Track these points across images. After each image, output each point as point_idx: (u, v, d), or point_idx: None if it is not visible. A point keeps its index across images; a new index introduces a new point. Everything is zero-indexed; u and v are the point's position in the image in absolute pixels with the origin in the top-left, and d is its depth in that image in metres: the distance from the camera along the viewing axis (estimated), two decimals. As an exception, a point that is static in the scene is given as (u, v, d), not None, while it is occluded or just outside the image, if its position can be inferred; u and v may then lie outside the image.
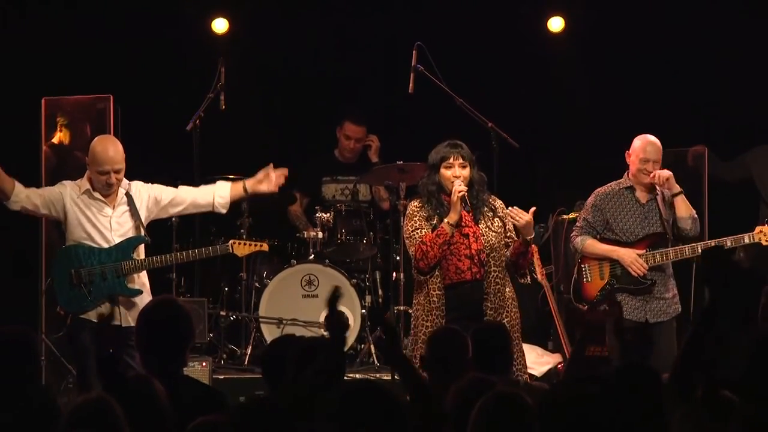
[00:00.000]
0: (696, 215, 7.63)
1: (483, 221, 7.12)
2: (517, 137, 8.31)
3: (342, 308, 9.10)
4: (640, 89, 10.05)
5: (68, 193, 7.08)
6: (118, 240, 7.10)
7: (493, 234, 7.11)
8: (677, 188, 7.61)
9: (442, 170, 7.11)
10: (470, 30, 10.04)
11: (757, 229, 7.61)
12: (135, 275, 7.15)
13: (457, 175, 7.06)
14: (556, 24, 10.18)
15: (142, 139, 9.08)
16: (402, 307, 9.01)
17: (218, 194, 7.40)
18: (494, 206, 7.20)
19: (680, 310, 7.75)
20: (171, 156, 9.13)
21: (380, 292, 9.44)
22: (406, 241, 7.18)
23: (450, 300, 7.03)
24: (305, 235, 9.21)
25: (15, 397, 4.65)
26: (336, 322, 4.72)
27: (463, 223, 7.07)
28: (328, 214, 9.18)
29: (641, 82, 10.06)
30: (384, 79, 9.63)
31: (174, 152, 9.00)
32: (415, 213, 7.15)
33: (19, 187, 7.13)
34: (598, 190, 7.85)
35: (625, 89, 10.02)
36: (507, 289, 7.14)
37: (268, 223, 8.88)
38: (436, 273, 7.05)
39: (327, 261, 9.13)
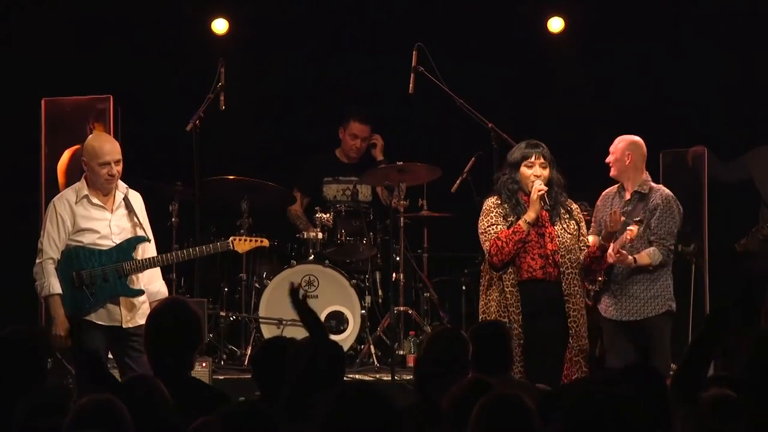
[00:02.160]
0: (658, 260, 7.61)
1: (559, 223, 7.21)
2: (517, 137, 8.29)
3: (341, 309, 9.21)
4: (639, 89, 10.04)
5: (66, 209, 7.04)
6: (118, 242, 7.10)
7: (569, 236, 7.21)
8: (630, 261, 7.58)
9: (523, 169, 7.19)
10: (470, 30, 10.03)
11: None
12: (138, 275, 7.14)
13: (537, 174, 7.16)
14: (556, 24, 10.17)
15: (142, 139, 9.09)
16: (402, 308, 9.01)
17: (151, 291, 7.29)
18: (570, 208, 7.30)
19: (664, 310, 7.69)
20: (171, 156, 9.13)
21: (380, 292, 9.43)
22: (481, 237, 7.21)
23: (524, 296, 7.10)
24: (305, 236, 9.20)
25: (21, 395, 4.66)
26: (307, 317, 4.71)
27: (539, 223, 7.16)
28: (328, 215, 9.17)
29: (641, 83, 10.05)
30: (384, 79, 9.62)
31: (174, 152, 9.00)
32: (492, 209, 7.22)
33: (55, 285, 7.03)
34: (604, 192, 7.98)
35: (625, 89, 10.01)
36: (581, 291, 7.23)
37: (268, 224, 8.87)
38: (510, 270, 7.12)
39: (327, 261, 9.12)
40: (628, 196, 7.78)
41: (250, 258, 9.03)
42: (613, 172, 7.83)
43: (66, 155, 8.78)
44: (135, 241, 7.13)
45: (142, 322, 7.02)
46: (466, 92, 8.44)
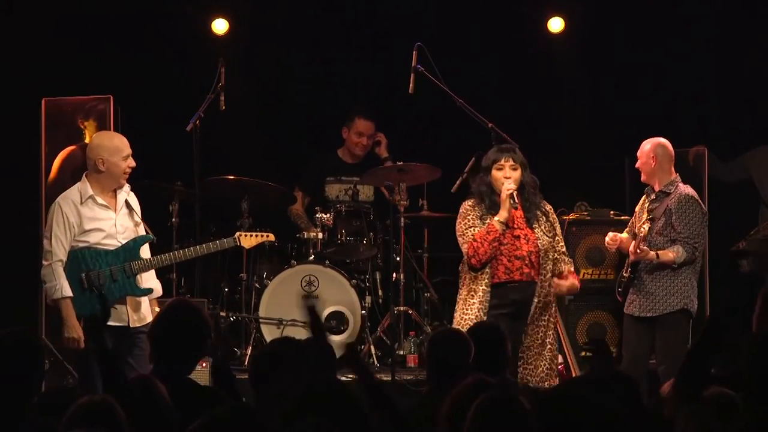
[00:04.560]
0: (682, 258, 7.80)
1: (537, 225, 7.41)
2: (517, 137, 8.30)
3: (342, 309, 9.19)
4: (640, 89, 10.05)
5: (72, 210, 7.02)
6: (123, 242, 7.09)
7: (547, 239, 7.41)
8: (653, 257, 7.79)
9: (494, 172, 7.40)
10: (470, 30, 10.03)
11: None
12: (141, 275, 7.14)
13: (507, 176, 7.33)
14: (556, 24, 10.17)
15: (142, 139, 9.06)
16: (402, 308, 9.01)
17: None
18: (546, 210, 7.51)
19: (679, 308, 7.79)
20: (171, 156, 9.13)
21: (380, 292, 9.43)
22: (459, 239, 7.42)
23: (494, 298, 7.27)
24: (305, 236, 9.20)
25: (20, 398, 4.67)
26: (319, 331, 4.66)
27: (515, 225, 7.36)
28: (328, 215, 9.17)
29: (641, 83, 10.06)
30: (384, 79, 9.62)
31: (174, 152, 9.00)
32: (469, 212, 7.42)
33: (66, 287, 6.97)
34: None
35: (625, 89, 10.02)
36: (551, 291, 7.42)
37: (268, 224, 8.85)
38: (486, 271, 7.26)
39: (327, 262, 9.12)
40: (653, 196, 7.91)
41: (250, 258, 9.03)
42: (642, 177, 8.05)
43: (63, 153, 8.78)
44: (141, 241, 7.13)
45: (146, 321, 7.03)
46: (466, 92, 8.45)
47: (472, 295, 7.31)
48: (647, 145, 8.01)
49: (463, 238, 7.37)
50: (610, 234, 8.10)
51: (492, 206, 7.36)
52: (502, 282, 7.30)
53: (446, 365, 5.34)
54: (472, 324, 6.87)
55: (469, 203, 7.46)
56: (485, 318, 7.21)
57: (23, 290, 8.71)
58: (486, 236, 7.28)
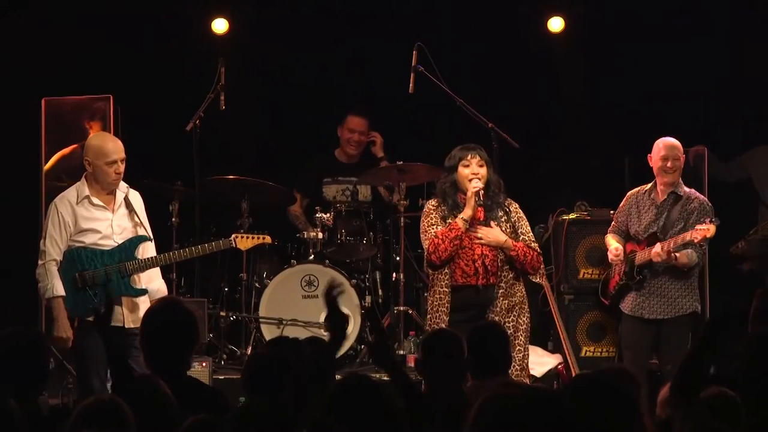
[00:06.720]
0: (695, 261, 7.86)
1: (496, 226, 7.29)
2: (517, 137, 8.31)
3: (341, 309, 9.16)
4: (640, 89, 10.05)
5: (68, 210, 7.03)
6: (121, 242, 7.09)
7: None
8: (672, 259, 7.82)
9: (460, 169, 7.31)
10: (470, 30, 10.03)
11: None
12: (139, 275, 7.14)
13: (475, 172, 7.26)
14: (556, 24, 10.17)
15: (142, 139, 9.09)
16: (402, 308, 9.01)
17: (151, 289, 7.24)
18: (508, 210, 7.38)
19: (690, 311, 7.87)
20: (171, 156, 9.13)
21: (380, 292, 9.43)
22: (421, 237, 7.39)
23: (454, 301, 7.20)
24: (305, 236, 9.20)
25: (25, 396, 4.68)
26: (338, 322, 4.65)
27: (473, 229, 7.23)
28: (328, 215, 9.17)
29: (641, 82, 10.05)
30: (384, 79, 9.62)
31: (174, 152, 9.00)
32: (432, 211, 7.38)
33: (59, 287, 6.98)
34: (629, 192, 8.17)
35: (625, 89, 10.01)
36: (517, 291, 7.31)
37: (268, 224, 8.86)
38: (446, 272, 7.21)
39: (327, 261, 9.12)
40: (661, 197, 7.87)
41: (250, 258, 9.03)
42: (675, 178, 7.94)
43: (65, 150, 8.78)
44: (137, 241, 7.13)
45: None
46: (466, 92, 8.45)
47: (435, 296, 7.27)
48: (680, 149, 8.01)
49: (425, 235, 7.32)
50: (612, 251, 8.06)
51: (454, 206, 7.30)
52: (459, 285, 7.24)
53: (439, 365, 5.31)
54: (427, 332, 6.86)
55: (433, 203, 7.42)
56: (447, 320, 7.15)
57: (23, 290, 8.70)
58: (447, 233, 7.21)
